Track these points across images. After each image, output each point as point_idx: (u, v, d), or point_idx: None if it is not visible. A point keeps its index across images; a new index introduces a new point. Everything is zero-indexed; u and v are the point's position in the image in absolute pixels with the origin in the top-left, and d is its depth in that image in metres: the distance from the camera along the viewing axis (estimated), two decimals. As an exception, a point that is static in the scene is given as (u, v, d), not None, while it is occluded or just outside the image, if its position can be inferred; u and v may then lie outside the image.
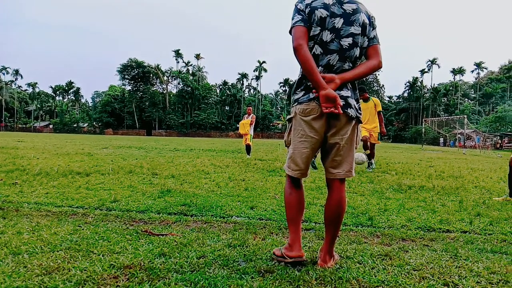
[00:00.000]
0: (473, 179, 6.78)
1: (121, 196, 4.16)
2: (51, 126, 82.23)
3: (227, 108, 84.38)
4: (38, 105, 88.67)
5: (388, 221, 3.35)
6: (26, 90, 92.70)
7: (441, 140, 47.99)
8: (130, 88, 79.50)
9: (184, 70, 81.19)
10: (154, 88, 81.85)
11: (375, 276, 1.99)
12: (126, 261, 2.06)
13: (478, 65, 75.14)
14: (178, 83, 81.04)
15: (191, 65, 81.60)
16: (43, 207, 3.48)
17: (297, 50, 1.98)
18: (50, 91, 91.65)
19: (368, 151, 7.89)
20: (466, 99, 76.13)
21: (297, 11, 2.05)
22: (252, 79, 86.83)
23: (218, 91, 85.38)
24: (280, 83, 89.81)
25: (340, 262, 2.20)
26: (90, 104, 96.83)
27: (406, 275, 2.02)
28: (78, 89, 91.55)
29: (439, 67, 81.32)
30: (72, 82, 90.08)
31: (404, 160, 12.14)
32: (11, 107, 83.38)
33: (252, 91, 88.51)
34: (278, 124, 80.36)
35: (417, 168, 8.85)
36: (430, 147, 38.74)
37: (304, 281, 1.89)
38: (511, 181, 4.63)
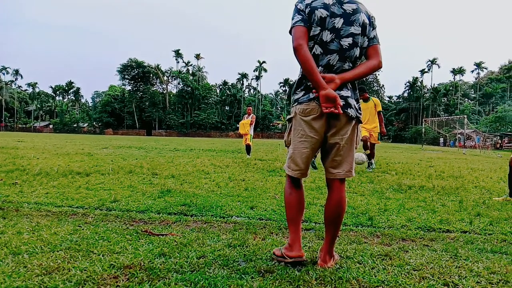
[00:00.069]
0: (473, 179, 6.78)
1: (121, 196, 4.16)
2: (51, 126, 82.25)
3: (227, 108, 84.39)
4: (38, 105, 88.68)
5: (388, 221, 3.35)
6: (26, 90, 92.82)
7: (441, 140, 47.99)
8: (130, 88, 79.52)
9: (184, 70, 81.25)
10: (154, 88, 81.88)
11: (375, 276, 1.99)
12: (126, 261, 2.06)
13: (478, 65, 75.14)
14: (178, 83, 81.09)
15: (191, 65, 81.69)
16: (43, 207, 3.48)
17: (297, 50, 1.98)
18: (50, 91, 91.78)
19: (368, 151, 7.89)
20: (466, 99, 76.14)
21: (297, 11, 2.05)
22: (252, 79, 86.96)
23: (218, 91, 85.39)
24: (280, 83, 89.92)
25: (340, 262, 2.20)
26: (90, 104, 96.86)
27: (406, 275, 2.02)
28: (78, 89, 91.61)
29: (439, 67, 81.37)
30: (72, 82, 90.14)
31: (404, 160, 12.14)
32: (11, 107, 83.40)
33: (252, 91, 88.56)
34: (278, 124, 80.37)
35: (417, 168, 8.85)
36: (430, 147, 38.74)
37: (304, 281, 1.89)
38: (511, 181, 4.63)
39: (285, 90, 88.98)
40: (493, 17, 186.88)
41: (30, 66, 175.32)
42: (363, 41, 2.09)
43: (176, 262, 2.09)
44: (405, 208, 3.91)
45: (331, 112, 1.95)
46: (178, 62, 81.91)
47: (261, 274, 1.97)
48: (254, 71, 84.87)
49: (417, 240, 2.76)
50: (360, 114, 2.14)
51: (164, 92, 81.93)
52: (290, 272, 1.99)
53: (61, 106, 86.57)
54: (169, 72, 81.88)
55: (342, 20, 2.02)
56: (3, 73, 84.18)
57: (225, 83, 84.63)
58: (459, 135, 37.84)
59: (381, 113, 8.11)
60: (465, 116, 30.43)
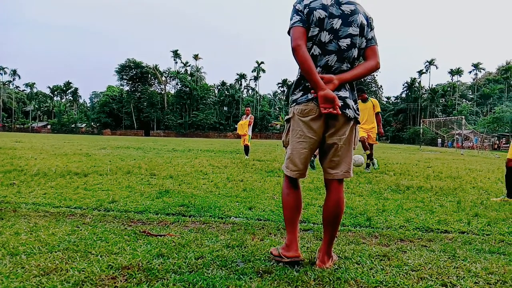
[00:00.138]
0: (471, 180, 6.80)
1: (119, 196, 4.15)
2: (49, 126, 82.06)
3: (225, 108, 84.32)
4: (36, 106, 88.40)
5: (386, 221, 3.35)
6: (24, 90, 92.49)
7: (439, 140, 48.12)
8: (128, 89, 79.40)
9: (183, 70, 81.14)
10: (152, 89, 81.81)
11: (374, 277, 1.99)
12: (124, 262, 2.06)
13: (476, 66, 75.30)
14: (177, 84, 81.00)
15: (189, 65, 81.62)
16: (41, 208, 3.47)
17: (295, 51, 1.99)
18: (48, 92, 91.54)
19: (368, 151, 7.89)
20: (464, 100, 76.37)
21: (296, 11, 2.05)
22: (250, 79, 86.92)
23: (216, 91, 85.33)
24: (278, 83, 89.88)
25: (338, 262, 2.20)
26: (88, 105, 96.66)
27: (404, 276, 2.03)
28: (76, 89, 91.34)
29: (437, 68, 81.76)
30: (70, 83, 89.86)
31: (402, 160, 12.17)
32: (8, 107, 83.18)
33: (250, 91, 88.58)
34: (277, 124, 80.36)
35: (415, 169, 8.87)
36: (428, 147, 38.84)
37: (303, 282, 1.89)
38: (508, 182, 4.65)
39: (283, 91, 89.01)
40: (490, 18, 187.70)
41: (29, 66, 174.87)
42: (361, 42, 2.10)
43: (175, 262, 2.09)
44: (403, 209, 3.92)
45: (330, 113, 1.95)
46: (176, 63, 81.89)
47: (259, 275, 1.97)
48: (252, 71, 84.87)
49: (415, 241, 2.77)
50: (358, 114, 2.15)
51: (162, 92, 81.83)
52: (288, 273, 1.99)
53: (59, 106, 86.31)
54: (167, 72, 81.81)
55: (340, 21, 2.03)
56: (0, 73, 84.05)
57: (223, 83, 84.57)
58: (457, 136, 37.91)
59: (379, 114, 8.12)
60: (463, 116, 30.54)
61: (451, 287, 1.91)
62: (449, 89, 73.70)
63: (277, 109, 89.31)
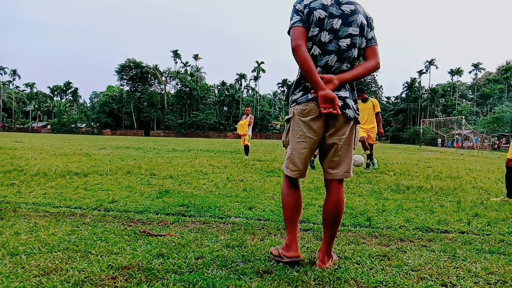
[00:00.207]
0: (471, 180, 6.80)
1: (119, 196, 4.15)
2: (49, 126, 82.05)
3: (225, 108, 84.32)
4: (36, 106, 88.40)
5: (386, 221, 3.35)
6: (24, 90, 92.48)
7: (439, 140, 48.10)
8: (128, 89, 79.38)
9: (183, 70, 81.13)
10: (152, 89, 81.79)
11: (374, 277, 1.99)
12: (124, 262, 2.06)
13: (476, 66, 75.29)
14: (177, 84, 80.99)
15: (189, 65, 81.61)
16: (41, 208, 3.47)
17: (295, 51, 1.99)
18: (48, 92, 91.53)
19: (368, 151, 7.89)
20: (464, 100, 76.35)
21: (296, 11, 2.05)
22: (250, 79, 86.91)
23: (216, 91, 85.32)
24: (278, 83, 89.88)
25: (338, 262, 2.20)
26: (88, 105, 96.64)
27: (404, 276, 2.03)
28: (76, 89, 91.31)
29: (437, 68, 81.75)
30: (70, 83, 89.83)
31: (402, 160, 12.17)
32: (8, 107, 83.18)
33: (250, 91, 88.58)
34: (277, 124, 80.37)
35: (415, 169, 8.87)
36: (428, 147, 38.84)
37: (303, 282, 1.89)
38: (508, 182, 4.65)
39: (283, 91, 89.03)
40: (491, 18, 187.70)
41: (29, 66, 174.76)
42: (361, 42, 2.10)
43: (175, 262, 2.09)
44: (403, 209, 3.92)
45: (330, 113, 1.95)
46: (176, 63, 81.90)
47: (259, 275, 1.97)
48: (252, 71, 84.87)
49: (415, 241, 2.77)
50: (358, 114, 2.15)
51: (162, 92, 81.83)
52: (288, 273, 1.99)
53: (59, 106, 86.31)
54: (167, 72, 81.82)
55: (340, 21, 2.03)
56: (0, 73, 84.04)
57: (223, 83, 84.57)
58: (457, 136, 37.92)
59: (379, 114, 8.12)
60: (463, 116, 30.53)
61: (451, 287, 1.91)
62: (449, 89, 73.70)
63: (277, 109, 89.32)
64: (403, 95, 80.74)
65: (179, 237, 2.62)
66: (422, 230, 3.13)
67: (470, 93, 77.26)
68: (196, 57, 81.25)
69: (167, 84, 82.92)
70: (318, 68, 2.06)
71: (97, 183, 5.09)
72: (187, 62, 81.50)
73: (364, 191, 5.06)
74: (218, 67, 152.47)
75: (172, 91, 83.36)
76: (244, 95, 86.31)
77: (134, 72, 77.28)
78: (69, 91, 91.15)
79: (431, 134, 50.03)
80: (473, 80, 78.57)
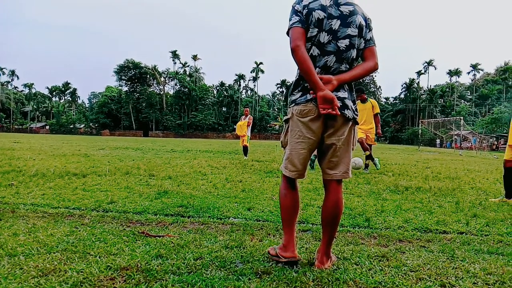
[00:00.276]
0: (470, 180, 6.81)
1: (118, 197, 4.14)
2: (47, 127, 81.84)
3: (224, 109, 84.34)
4: (35, 106, 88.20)
5: (385, 222, 3.35)
6: (23, 91, 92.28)
7: (438, 141, 48.17)
8: (127, 89, 79.28)
9: (181, 71, 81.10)
10: (151, 89, 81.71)
11: (372, 277, 1.99)
12: (123, 263, 2.06)
13: (474, 67, 75.49)
14: (175, 84, 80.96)
15: (188, 66, 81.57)
16: (40, 209, 3.46)
17: (294, 51, 1.99)
18: (46, 92, 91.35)
19: (368, 152, 7.89)
20: (462, 100, 76.47)
21: (295, 12, 2.05)
22: (249, 80, 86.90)
23: (215, 92, 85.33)
24: (277, 84, 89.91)
25: (337, 263, 2.20)
26: (87, 105, 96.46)
27: (403, 276, 2.03)
28: (75, 90, 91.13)
29: (435, 69, 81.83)
30: (69, 83, 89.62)
31: (401, 161, 12.18)
32: (7, 108, 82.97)
33: (249, 92, 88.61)
34: (275, 125, 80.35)
35: (414, 169, 8.88)
36: (427, 148, 38.90)
37: (301, 283, 1.89)
38: (506, 182, 4.66)
39: (282, 91, 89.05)
40: (489, 19, 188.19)
41: (28, 67, 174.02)
42: (360, 43, 2.10)
43: (173, 263, 2.09)
44: (402, 209, 3.92)
45: (328, 113, 1.96)
46: (175, 63, 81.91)
47: (258, 276, 1.97)
48: (251, 72, 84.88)
49: (414, 241, 2.77)
50: (357, 115, 2.15)
51: (161, 93, 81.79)
52: (287, 274, 1.99)
53: (57, 107, 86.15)
54: (166, 73, 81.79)
55: (339, 22, 2.03)
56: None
57: (222, 84, 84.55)
58: (455, 137, 38.02)
59: (378, 115, 8.13)
60: (462, 117, 30.59)
61: (450, 287, 1.91)
62: (447, 90, 73.84)
63: (276, 109, 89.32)
64: (402, 96, 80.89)
65: (177, 238, 2.61)
66: (420, 230, 3.14)
67: (469, 94, 77.37)
68: (195, 57, 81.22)
69: (165, 85, 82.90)
70: (317, 68, 2.06)
71: (96, 183, 5.08)
72: (186, 63, 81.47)
73: (362, 191, 5.07)
74: (217, 68, 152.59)
75: (171, 92, 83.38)
76: (243, 96, 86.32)
77: (132, 73, 77.13)
78: (68, 91, 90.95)
79: (429, 135, 50.07)
80: (472, 81, 78.76)
